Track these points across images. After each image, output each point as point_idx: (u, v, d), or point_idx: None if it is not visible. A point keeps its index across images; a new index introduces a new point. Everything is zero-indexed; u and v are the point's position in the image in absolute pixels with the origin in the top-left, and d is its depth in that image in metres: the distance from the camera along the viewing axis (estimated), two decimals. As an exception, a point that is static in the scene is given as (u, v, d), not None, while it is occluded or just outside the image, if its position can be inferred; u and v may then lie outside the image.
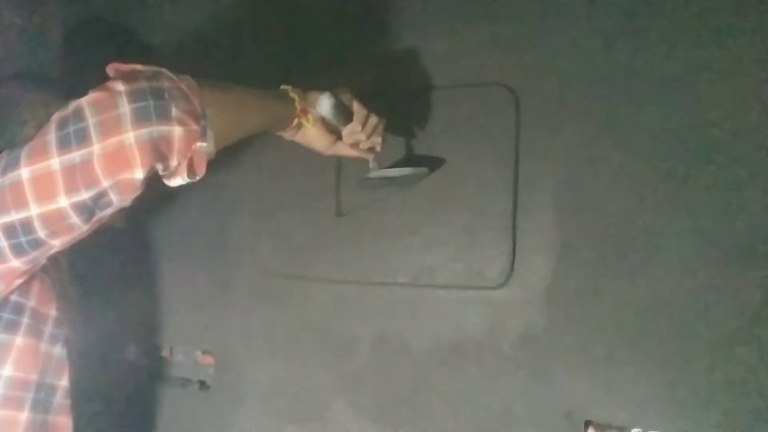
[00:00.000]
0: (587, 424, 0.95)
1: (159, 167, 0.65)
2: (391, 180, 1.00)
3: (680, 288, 0.90)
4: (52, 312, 0.80)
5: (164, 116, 0.62)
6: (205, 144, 0.67)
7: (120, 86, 0.61)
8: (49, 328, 0.80)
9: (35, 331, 0.77)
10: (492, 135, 1.02)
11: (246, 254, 1.20)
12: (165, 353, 1.31)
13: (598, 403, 0.94)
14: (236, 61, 1.22)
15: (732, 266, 0.88)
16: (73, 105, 0.62)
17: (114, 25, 1.33)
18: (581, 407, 0.95)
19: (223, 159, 1.15)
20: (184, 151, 0.65)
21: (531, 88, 1.01)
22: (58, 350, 0.81)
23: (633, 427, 0.94)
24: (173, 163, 0.66)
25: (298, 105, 0.84)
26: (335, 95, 0.87)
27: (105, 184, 0.63)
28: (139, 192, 0.67)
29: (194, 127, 0.65)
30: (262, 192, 1.18)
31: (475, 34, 1.05)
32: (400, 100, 1.08)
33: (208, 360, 1.26)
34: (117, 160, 0.61)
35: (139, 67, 0.65)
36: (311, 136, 0.91)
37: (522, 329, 0.99)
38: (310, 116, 0.87)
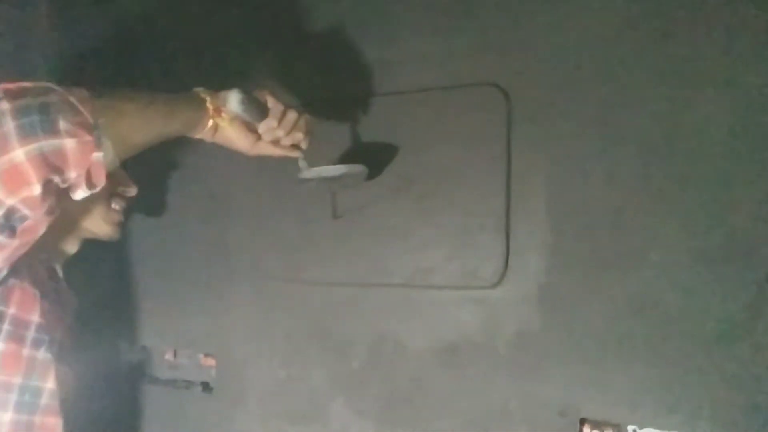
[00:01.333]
0: (582, 421, 0.96)
1: (57, 179, 0.66)
2: (330, 180, 0.98)
3: (672, 286, 0.91)
4: (35, 318, 0.83)
5: (51, 130, 0.62)
6: (101, 154, 0.67)
7: (4, 105, 0.61)
8: (31, 334, 0.82)
9: (17, 337, 0.80)
10: (484, 135, 1.02)
11: (244, 258, 1.22)
12: (168, 356, 1.33)
13: (593, 401, 0.94)
14: (223, 67, 1.24)
15: (723, 264, 0.88)
16: None
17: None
18: (576, 405, 0.95)
19: (218, 164, 1.19)
20: (81, 162, 0.66)
21: (522, 88, 1.01)
22: (42, 354, 0.83)
23: (628, 425, 0.94)
24: (72, 175, 0.66)
25: (209, 105, 0.83)
26: (245, 91, 0.85)
27: (9, 202, 0.63)
28: (46, 205, 0.67)
29: (87, 138, 0.65)
30: (259, 196, 1.19)
31: (465, 35, 1.06)
32: (392, 102, 1.09)
33: (211, 362, 1.28)
34: (12, 178, 0.62)
35: (26, 84, 0.65)
36: (230, 136, 0.89)
37: (516, 328, 1.00)
38: (224, 115, 0.86)
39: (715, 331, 0.88)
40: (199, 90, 0.84)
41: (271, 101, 0.89)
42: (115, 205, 1.02)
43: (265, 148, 0.94)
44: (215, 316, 1.26)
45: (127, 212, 1.05)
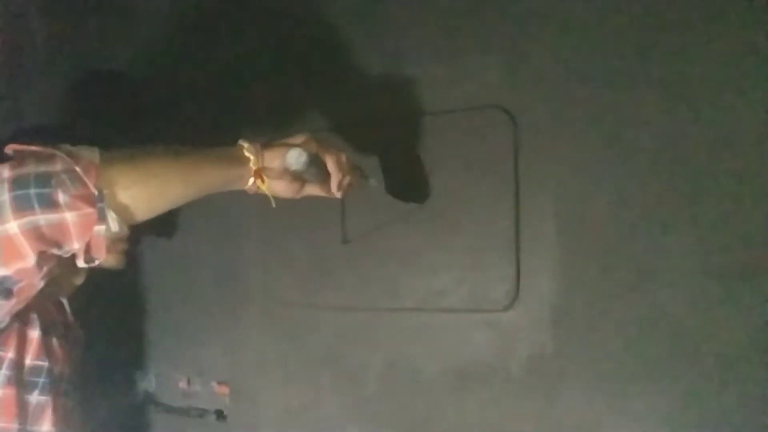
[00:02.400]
0: (600, 445, 0.94)
1: (55, 252, 0.64)
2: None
3: (687, 305, 0.89)
4: (27, 361, 0.85)
5: (49, 203, 0.60)
6: (102, 227, 0.63)
7: (5, 172, 0.60)
8: (25, 377, 0.84)
9: (15, 381, 0.82)
10: (491, 157, 1.02)
11: (256, 284, 1.22)
12: (182, 384, 1.33)
13: (609, 424, 0.93)
14: (227, 100, 1.26)
15: (737, 280, 0.87)
16: None
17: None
18: (592, 428, 0.94)
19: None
20: (83, 234, 0.63)
21: (528, 110, 1.01)
22: (36, 397, 0.85)
23: (646, 448, 0.92)
24: (75, 246, 0.64)
25: (253, 165, 0.78)
26: (306, 150, 0.79)
27: (3, 272, 0.62)
28: (42, 272, 0.65)
29: (88, 210, 0.62)
30: (268, 221, 1.20)
31: (470, 58, 1.07)
32: (399, 126, 1.10)
33: (224, 390, 1.27)
34: (5, 250, 0.60)
35: (33, 148, 0.63)
36: (275, 189, 0.84)
37: (529, 351, 0.99)
38: (270, 173, 0.81)
39: (733, 350, 0.86)
40: (244, 145, 0.79)
41: (326, 155, 0.84)
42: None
43: (310, 190, 0.90)
44: (228, 343, 1.26)
45: (132, 241, 1.06)
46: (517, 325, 1.00)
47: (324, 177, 0.86)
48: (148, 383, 1.36)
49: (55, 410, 0.88)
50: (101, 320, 1.30)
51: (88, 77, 1.41)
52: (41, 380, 0.86)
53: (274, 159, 0.80)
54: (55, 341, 0.92)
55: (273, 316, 1.21)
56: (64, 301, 1.01)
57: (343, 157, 0.88)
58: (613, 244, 0.95)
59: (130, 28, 1.39)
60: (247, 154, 0.78)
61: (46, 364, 0.88)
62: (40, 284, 0.69)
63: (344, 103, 1.17)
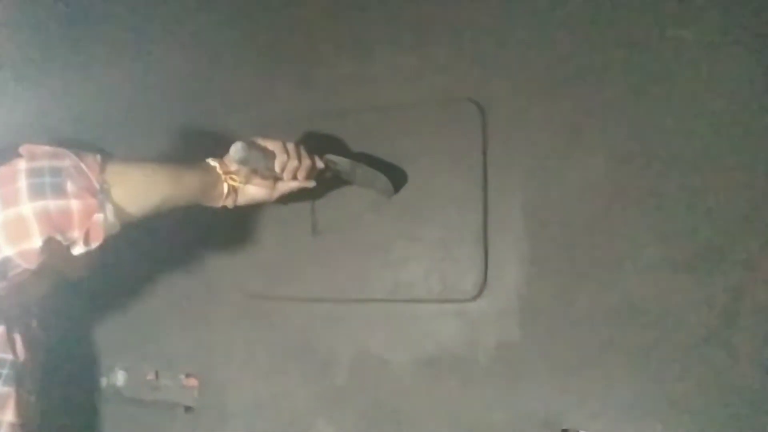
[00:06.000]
0: (564, 432, 0.96)
1: (59, 237, 0.72)
2: (358, 172, 1.01)
3: (649, 294, 0.92)
4: None
5: (59, 192, 0.70)
6: (102, 216, 0.73)
7: (22, 164, 0.70)
8: None
9: None
10: (460, 150, 1.03)
11: (224, 276, 1.21)
12: (150, 377, 1.31)
13: (575, 411, 0.95)
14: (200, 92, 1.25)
15: (699, 271, 0.89)
16: None
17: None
18: (558, 415, 0.96)
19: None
20: (84, 222, 0.72)
21: (497, 102, 1.03)
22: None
23: (609, 434, 0.94)
24: (74, 234, 0.73)
25: (219, 171, 0.90)
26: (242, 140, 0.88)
27: (7, 251, 0.70)
28: (41, 259, 0.73)
29: (91, 200, 0.72)
30: (239, 214, 1.18)
31: (440, 50, 1.07)
32: (367, 118, 1.10)
33: (193, 383, 1.26)
34: (16, 228, 0.69)
35: (46, 147, 0.74)
36: (250, 192, 0.95)
37: (497, 340, 1.00)
38: (236, 176, 0.92)
39: (692, 339, 0.89)
40: (209, 159, 0.91)
41: (267, 141, 0.91)
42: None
43: (285, 186, 0.97)
44: (196, 336, 1.25)
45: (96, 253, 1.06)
46: (485, 315, 1.02)
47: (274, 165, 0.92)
48: (115, 377, 1.34)
49: (18, 402, 0.90)
50: (67, 313, 1.28)
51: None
52: (5, 371, 0.89)
53: (230, 161, 0.89)
54: (18, 337, 0.94)
55: (242, 308, 1.20)
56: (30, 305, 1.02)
57: (291, 145, 0.93)
58: (579, 235, 0.97)
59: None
60: (211, 163, 0.90)
61: (10, 356, 0.92)
62: (26, 277, 0.76)
63: (312, 95, 1.17)
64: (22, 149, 0.74)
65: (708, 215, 0.89)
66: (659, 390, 0.90)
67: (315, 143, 1.02)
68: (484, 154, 1.02)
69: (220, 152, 0.90)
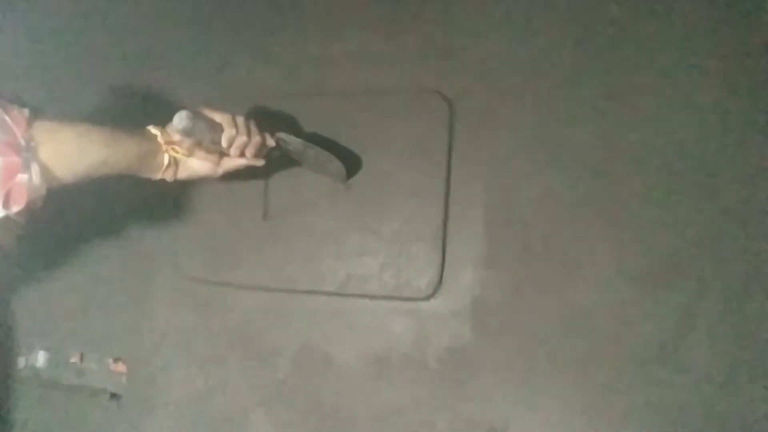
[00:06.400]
0: (509, 439, 0.94)
1: None
2: (310, 153, 0.95)
3: (601, 305, 0.91)
4: None
5: None
6: (26, 176, 0.66)
7: None
8: None
9: None
10: (425, 143, 1.00)
11: (164, 257, 1.14)
12: (74, 359, 1.22)
13: (520, 420, 0.93)
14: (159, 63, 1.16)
15: (652, 285, 0.89)
16: None
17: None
18: (503, 423, 0.94)
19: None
20: (4, 182, 0.65)
21: (466, 98, 1.00)
22: None
23: (554, 443, 0.93)
24: None
25: (160, 140, 0.83)
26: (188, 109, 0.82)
27: None
28: None
29: (14, 158, 0.65)
30: (184, 190, 1.11)
31: (411, 39, 1.04)
32: (333, 101, 1.05)
33: (121, 368, 1.18)
34: None
35: None
36: (192, 166, 0.89)
37: (448, 342, 0.98)
38: (178, 147, 0.85)
39: (643, 352, 0.88)
40: (150, 126, 0.83)
41: (216, 114, 0.85)
42: (18, 217, 0.93)
43: (231, 163, 0.91)
44: (128, 318, 1.16)
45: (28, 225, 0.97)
46: (437, 315, 0.99)
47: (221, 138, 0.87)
48: (35, 357, 1.24)
49: None
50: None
51: None
52: None
53: (173, 131, 0.83)
54: None
55: (180, 292, 1.13)
56: None
57: (240, 119, 0.88)
58: (538, 240, 0.95)
59: None
60: (153, 131, 0.83)
61: None
62: None
63: (272, 72, 1.11)
64: None
65: (666, 229, 0.89)
66: (608, 402, 0.89)
67: (268, 121, 0.96)
68: (449, 149, 0.99)
69: (164, 121, 0.84)
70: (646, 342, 0.88)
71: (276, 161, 0.99)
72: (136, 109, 1.14)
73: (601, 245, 0.92)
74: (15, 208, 0.67)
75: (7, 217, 0.92)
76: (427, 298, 0.98)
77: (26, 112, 0.68)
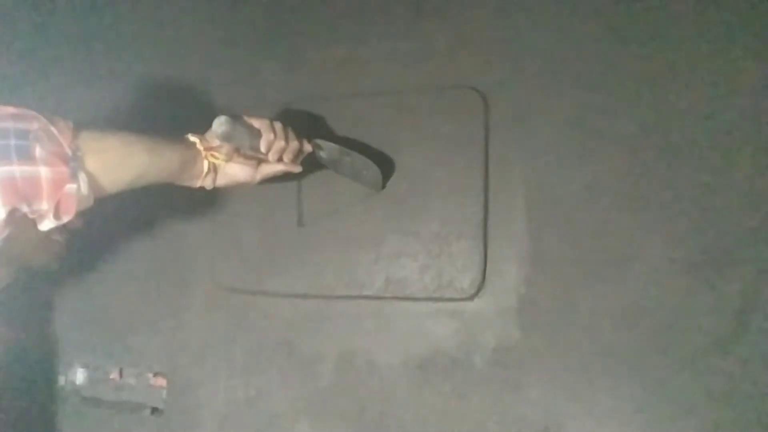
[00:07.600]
0: (565, 440, 0.91)
1: (25, 209, 0.64)
2: (346, 160, 0.94)
3: (656, 296, 0.88)
4: None
5: (26, 156, 0.62)
6: (74, 186, 0.66)
7: None
8: None
9: None
10: (460, 140, 0.98)
11: (201, 268, 1.13)
12: (114, 376, 1.22)
13: (576, 418, 0.90)
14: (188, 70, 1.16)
15: (708, 273, 0.86)
16: None
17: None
18: (558, 422, 0.91)
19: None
20: (53, 193, 0.64)
21: (501, 93, 0.98)
22: None
23: (612, 442, 0.90)
24: (43, 206, 0.65)
25: (200, 146, 0.83)
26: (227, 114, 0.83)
27: None
28: (6, 232, 0.65)
29: (62, 168, 0.64)
30: (218, 201, 1.11)
31: (443, 36, 1.02)
32: (364, 103, 1.03)
33: (161, 382, 1.17)
34: None
35: (11, 108, 0.64)
36: (231, 172, 0.88)
37: (495, 342, 0.95)
38: (218, 153, 0.85)
39: (702, 344, 0.85)
40: (189, 135, 0.83)
41: (253, 119, 0.85)
42: (58, 236, 0.93)
43: (269, 168, 0.91)
44: (166, 332, 1.16)
45: (69, 245, 0.98)
46: (482, 315, 0.96)
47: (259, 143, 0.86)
48: (74, 374, 1.24)
49: None
50: (25, 302, 1.18)
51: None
52: None
53: (212, 137, 0.83)
54: None
55: (218, 303, 1.12)
56: None
57: (278, 124, 0.87)
58: (583, 233, 0.92)
59: None
60: (191, 138, 0.83)
61: None
62: None
63: (302, 77, 1.10)
64: None
65: (719, 214, 0.86)
66: (666, 397, 0.86)
67: (302, 127, 0.95)
68: (486, 145, 0.97)
69: (198, 129, 0.84)
70: (705, 333, 0.85)
71: (311, 168, 0.97)
72: (168, 117, 1.13)
73: (651, 236, 0.89)
74: (65, 218, 0.67)
75: (47, 237, 0.92)
76: (471, 298, 0.96)
77: (71, 123, 0.67)
